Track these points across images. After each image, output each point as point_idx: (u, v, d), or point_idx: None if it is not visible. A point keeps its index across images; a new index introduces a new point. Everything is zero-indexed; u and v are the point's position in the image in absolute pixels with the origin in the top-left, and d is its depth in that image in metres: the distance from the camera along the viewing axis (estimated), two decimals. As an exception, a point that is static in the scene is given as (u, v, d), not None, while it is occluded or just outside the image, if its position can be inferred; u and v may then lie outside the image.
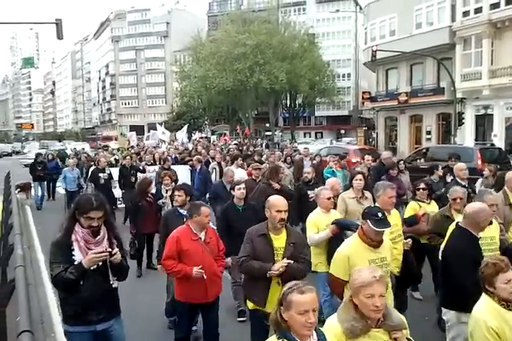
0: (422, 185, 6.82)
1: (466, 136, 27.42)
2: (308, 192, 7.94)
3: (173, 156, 17.30)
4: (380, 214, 4.02)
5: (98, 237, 3.64)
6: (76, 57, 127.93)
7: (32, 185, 16.30)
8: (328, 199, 5.78)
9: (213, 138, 49.30)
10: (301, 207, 7.75)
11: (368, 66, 38.05)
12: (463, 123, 26.50)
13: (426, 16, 30.28)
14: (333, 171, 11.54)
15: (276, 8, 64.85)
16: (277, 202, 4.39)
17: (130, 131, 61.53)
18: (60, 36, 21.01)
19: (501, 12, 25.00)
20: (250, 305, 4.50)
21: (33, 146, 59.54)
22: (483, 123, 27.99)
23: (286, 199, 7.27)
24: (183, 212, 5.69)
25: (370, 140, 43.67)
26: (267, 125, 62.07)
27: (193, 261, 4.68)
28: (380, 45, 28.85)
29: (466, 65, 27.35)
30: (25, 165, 31.55)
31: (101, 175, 12.39)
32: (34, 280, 7.10)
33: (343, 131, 66.82)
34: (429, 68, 31.34)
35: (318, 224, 5.67)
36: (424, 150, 19.23)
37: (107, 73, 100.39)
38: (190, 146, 24.85)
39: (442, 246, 4.60)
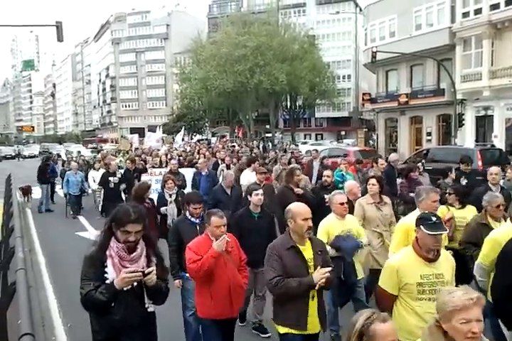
0: (450, 190, 6.34)
1: (466, 137, 27.40)
2: (325, 196, 7.60)
3: (177, 159, 16.85)
4: (434, 218, 3.69)
5: (134, 254, 3.26)
6: (76, 60, 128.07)
7: (33, 188, 16.30)
8: (342, 204, 5.42)
9: (213, 140, 49.36)
10: (317, 213, 7.56)
11: (368, 67, 38.06)
12: (463, 124, 26.48)
13: (426, 17, 30.28)
14: (342, 174, 11.08)
15: (276, 10, 64.92)
16: (302, 210, 4.03)
17: (131, 133, 61.73)
18: (60, 39, 21.04)
19: (501, 13, 24.99)
20: (283, 329, 4.04)
21: (34, 149, 59.62)
22: (484, 124, 27.97)
23: (308, 205, 7.16)
24: (195, 220, 5.38)
25: (371, 141, 43.64)
26: (268, 127, 62.08)
27: (215, 273, 4.34)
28: (379, 47, 28.82)
29: (466, 65, 27.34)
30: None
31: (111, 178, 12.01)
32: (35, 283, 7.12)
33: (343, 133, 66.84)
34: (429, 69, 31.34)
35: (330, 231, 5.38)
36: (425, 152, 19.23)
37: (107, 75, 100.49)
38: (187, 148, 24.86)
39: (496, 252, 4.23)
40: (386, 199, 6.46)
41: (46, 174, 16.00)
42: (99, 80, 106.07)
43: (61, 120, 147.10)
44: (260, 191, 5.82)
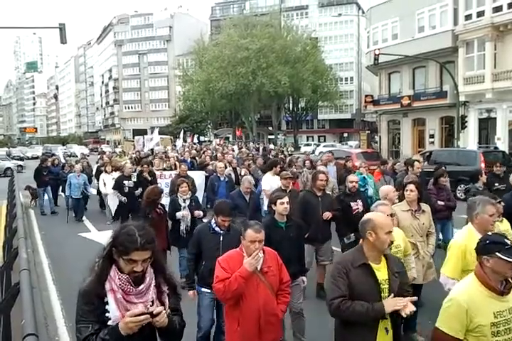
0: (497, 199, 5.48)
1: (469, 140, 27.37)
2: (351, 204, 7.15)
3: (189, 161, 16.42)
4: (507, 241, 2.97)
5: (142, 286, 2.58)
6: (79, 62, 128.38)
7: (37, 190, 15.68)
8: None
9: (216, 141, 49.40)
10: (343, 221, 7.12)
11: (371, 69, 38.06)
12: (466, 126, 26.45)
13: (428, 20, 30.27)
14: (364, 177, 10.43)
15: (279, 12, 65.21)
16: (386, 222, 3.42)
17: (133, 135, 61.79)
18: (63, 41, 21.07)
19: (504, 15, 24.97)
20: None
21: (36, 150, 59.47)
22: (487, 126, 27.93)
23: (333, 211, 6.89)
24: (219, 230, 4.95)
25: (373, 143, 43.63)
26: (270, 129, 62.15)
27: (244, 296, 3.76)
28: (382, 49, 28.82)
29: (468, 68, 27.32)
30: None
31: (126, 182, 11.31)
32: (38, 284, 7.15)
33: (345, 135, 66.89)
34: (431, 72, 31.33)
35: None
36: (428, 154, 19.22)
37: (110, 77, 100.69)
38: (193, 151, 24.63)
39: None
40: (425, 207, 5.94)
41: (42, 176, 15.26)
42: (102, 82, 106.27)
43: (64, 121, 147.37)
44: (286, 199, 5.25)
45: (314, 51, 56.72)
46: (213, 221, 5.04)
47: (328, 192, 8.25)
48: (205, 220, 8.64)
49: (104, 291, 2.56)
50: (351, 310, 3.20)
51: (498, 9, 25.45)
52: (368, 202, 8.21)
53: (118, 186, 11.37)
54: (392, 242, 3.44)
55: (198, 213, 7.63)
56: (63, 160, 18.84)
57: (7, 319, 4.43)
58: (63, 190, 14.86)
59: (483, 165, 15.54)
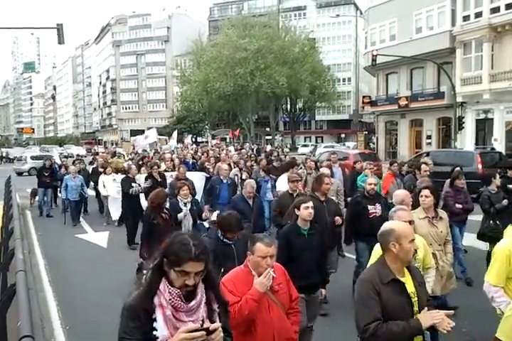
0: None
1: (466, 141, 27.40)
2: (369, 207, 6.78)
3: (191, 162, 15.93)
4: None
5: (193, 303, 2.36)
6: (77, 62, 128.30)
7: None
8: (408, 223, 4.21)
9: (213, 142, 49.36)
10: (355, 225, 6.81)
11: (368, 70, 38.11)
12: (463, 127, 26.49)
13: (426, 21, 30.33)
14: None
15: (277, 13, 65.28)
16: (408, 230, 3.19)
17: (131, 135, 61.73)
18: (61, 41, 21.06)
19: (501, 16, 25.02)
20: None
21: (33, 151, 59.11)
22: (484, 127, 27.98)
23: (334, 216, 6.57)
24: (228, 241, 4.65)
25: (371, 144, 43.68)
26: (268, 129, 62.19)
27: (256, 322, 3.37)
28: (380, 50, 28.87)
29: (466, 69, 27.37)
30: (18, 174, 31.05)
31: (133, 185, 10.98)
32: (34, 285, 7.12)
33: (343, 136, 66.96)
34: (429, 72, 31.38)
35: None
36: (425, 155, 19.23)
37: (107, 78, 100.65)
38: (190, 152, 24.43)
39: None
40: (442, 213, 5.65)
41: (42, 177, 14.95)
42: (100, 82, 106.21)
43: (61, 122, 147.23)
44: (310, 203, 4.92)
45: (312, 52, 56.78)
46: (220, 233, 4.70)
47: (332, 194, 7.99)
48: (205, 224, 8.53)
49: (152, 306, 2.32)
50: (388, 333, 2.91)
51: (495, 10, 25.50)
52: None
53: (125, 188, 10.92)
54: (416, 251, 3.26)
55: (205, 214, 7.73)
56: (59, 162, 18.38)
57: (3, 320, 4.41)
58: (60, 192, 14.67)
59: (480, 166, 15.56)
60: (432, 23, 29.95)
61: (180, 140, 36.90)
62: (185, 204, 7.23)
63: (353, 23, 66.96)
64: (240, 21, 57.55)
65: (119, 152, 25.08)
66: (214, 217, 7.33)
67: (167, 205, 7.08)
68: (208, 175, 12.64)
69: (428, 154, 18.96)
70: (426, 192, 5.54)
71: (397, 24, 32.29)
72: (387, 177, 10.56)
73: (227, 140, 52.46)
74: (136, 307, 2.33)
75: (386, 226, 3.24)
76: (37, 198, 15.36)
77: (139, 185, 11.01)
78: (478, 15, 26.45)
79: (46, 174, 14.94)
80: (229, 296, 3.14)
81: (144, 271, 2.45)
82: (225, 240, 4.62)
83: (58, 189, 15.58)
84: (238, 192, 9.34)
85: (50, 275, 8.23)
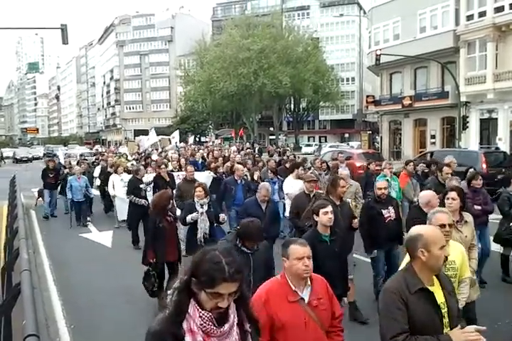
0: None
1: (470, 140, 27.34)
2: (383, 211, 6.43)
3: (200, 162, 15.82)
4: None
5: (226, 326, 2.12)
6: (81, 62, 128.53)
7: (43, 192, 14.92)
8: (443, 226, 3.95)
9: (217, 142, 49.37)
10: (371, 231, 6.44)
11: (372, 70, 38.06)
12: (467, 127, 26.42)
13: (430, 20, 30.26)
14: (387, 180, 9.39)
15: (280, 13, 65.17)
16: (439, 236, 2.93)
17: (134, 135, 61.79)
18: (65, 41, 21.08)
19: (505, 16, 24.94)
20: None
21: (38, 151, 59.30)
22: (488, 127, 27.90)
23: (350, 220, 6.29)
24: (246, 250, 4.36)
25: (376, 144, 43.61)
26: (271, 129, 62.19)
27: (288, 338, 3.03)
28: (384, 49, 28.82)
29: (470, 68, 27.29)
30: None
31: (142, 186, 10.61)
32: (39, 285, 7.15)
33: (347, 135, 66.88)
34: (433, 72, 31.31)
35: None
36: (429, 154, 19.20)
37: (111, 78, 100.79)
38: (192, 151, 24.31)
39: None
40: (467, 217, 5.36)
41: (46, 178, 14.60)
42: (104, 82, 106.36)
43: (65, 122, 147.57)
44: (329, 208, 4.69)
45: (316, 51, 56.72)
46: (238, 241, 4.42)
47: (349, 197, 7.70)
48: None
49: (181, 332, 2.07)
50: None
51: (499, 9, 25.43)
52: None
53: (132, 189, 10.49)
54: (446, 258, 3.04)
55: (223, 217, 7.36)
56: (62, 162, 18.22)
57: (8, 319, 4.43)
58: (61, 193, 14.40)
59: (484, 165, 15.52)
60: (435, 23, 29.87)
61: (184, 139, 36.93)
62: (201, 205, 6.85)
63: (356, 23, 66.83)
64: (243, 21, 57.54)
65: (120, 152, 25.03)
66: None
67: (169, 207, 6.75)
68: (215, 175, 12.43)
69: (432, 154, 18.91)
70: (453, 194, 5.30)
71: (400, 23, 32.22)
72: (403, 177, 10.25)
73: (232, 140, 52.40)
74: (163, 332, 2.07)
75: (413, 230, 2.99)
76: (40, 199, 15.14)
77: (146, 185, 10.72)
78: (482, 14, 26.38)
79: (51, 175, 14.59)
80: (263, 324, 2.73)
81: (168, 292, 2.16)
82: (242, 248, 4.34)
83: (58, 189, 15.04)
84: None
85: (54, 275, 8.25)
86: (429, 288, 2.85)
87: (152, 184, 10.93)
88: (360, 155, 20.10)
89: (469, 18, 27.32)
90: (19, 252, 5.88)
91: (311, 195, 6.99)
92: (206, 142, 46.00)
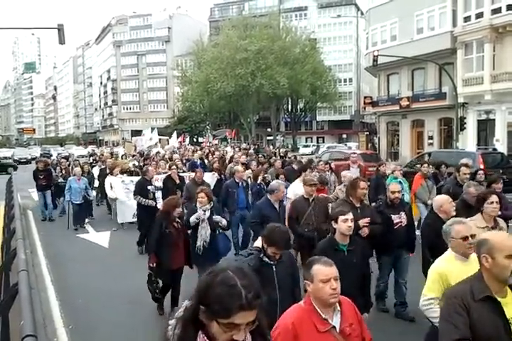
0: None
1: (468, 141, 27.40)
2: (393, 216, 6.03)
3: (198, 162, 15.49)
4: None
5: None
6: (78, 62, 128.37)
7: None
8: (465, 239, 3.65)
9: (214, 142, 49.29)
10: (380, 237, 5.98)
11: (370, 71, 38.12)
12: (465, 128, 26.48)
13: (427, 21, 30.32)
14: (400, 182, 8.99)
15: (278, 14, 65.22)
16: (507, 243, 2.68)
17: (132, 136, 61.72)
18: (61, 41, 21.03)
19: (502, 17, 25.00)
20: None
21: (35, 151, 58.91)
22: (485, 128, 27.96)
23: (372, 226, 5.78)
24: (270, 261, 3.89)
25: (372, 144, 43.64)
26: (269, 130, 62.21)
27: None
28: (381, 50, 28.86)
29: (467, 69, 27.35)
30: None
31: (150, 187, 10.07)
32: (37, 285, 7.12)
33: (344, 136, 66.95)
34: (430, 73, 31.37)
35: (447, 279, 3.50)
36: (427, 155, 19.22)
37: (108, 78, 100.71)
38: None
39: None
40: (501, 222, 5.00)
41: (38, 180, 14.08)
42: (101, 83, 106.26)
43: (62, 122, 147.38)
44: (349, 215, 4.33)
45: (313, 52, 56.72)
46: (260, 250, 4.03)
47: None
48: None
49: None
50: None
51: (496, 11, 25.49)
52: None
53: (140, 191, 9.96)
54: None
55: (223, 223, 6.61)
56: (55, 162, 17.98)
57: (5, 320, 4.41)
58: (55, 195, 14.16)
59: (482, 166, 15.53)
60: (433, 24, 29.93)
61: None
62: (204, 211, 6.49)
63: (354, 24, 66.88)
64: (240, 22, 57.52)
65: (116, 152, 24.91)
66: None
67: (177, 213, 6.37)
68: (219, 177, 12.25)
69: (430, 155, 18.94)
70: (495, 198, 4.87)
71: (398, 25, 32.28)
72: (417, 179, 9.87)
73: (227, 140, 52.38)
74: None
75: (481, 235, 2.84)
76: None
77: (155, 187, 10.25)
78: (479, 15, 26.44)
79: (41, 177, 14.04)
80: None
81: (170, 322, 1.78)
82: (265, 259, 3.89)
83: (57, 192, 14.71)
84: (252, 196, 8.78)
85: (52, 275, 8.22)
86: (499, 298, 2.62)
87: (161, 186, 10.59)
88: (358, 156, 20.07)
89: (466, 19, 27.38)
90: (16, 252, 5.84)
91: (311, 200, 6.77)
92: (202, 142, 45.95)
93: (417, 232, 6.36)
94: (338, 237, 4.35)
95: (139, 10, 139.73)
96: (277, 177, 9.93)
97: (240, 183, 9.51)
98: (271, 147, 39.53)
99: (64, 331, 5.85)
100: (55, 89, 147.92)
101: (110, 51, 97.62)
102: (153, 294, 6.24)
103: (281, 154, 21.46)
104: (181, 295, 6.21)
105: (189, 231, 6.62)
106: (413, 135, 33.99)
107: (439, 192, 8.51)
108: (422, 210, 9.47)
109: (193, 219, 6.45)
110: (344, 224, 4.27)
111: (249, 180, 10.60)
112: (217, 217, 6.62)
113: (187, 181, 10.96)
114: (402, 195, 8.28)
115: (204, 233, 6.41)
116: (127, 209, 11.68)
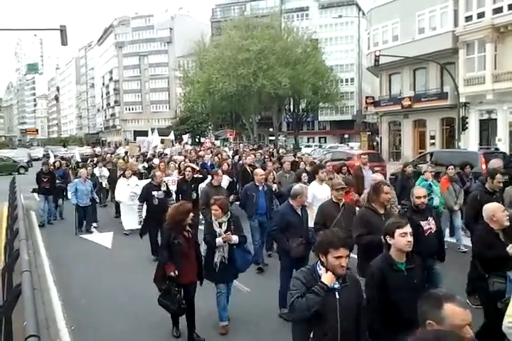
0: None
1: (470, 141, 27.38)
2: (422, 223, 5.49)
3: (209, 163, 15.17)
4: None
5: None
6: (80, 63, 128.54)
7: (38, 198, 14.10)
8: None
9: (217, 143, 49.27)
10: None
11: (371, 71, 38.11)
12: (467, 127, 26.46)
13: (429, 21, 30.30)
14: (430, 185, 8.67)
15: (280, 14, 65.22)
16: None
17: (134, 136, 61.72)
18: (64, 42, 21.07)
19: (504, 17, 24.99)
20: None
21: (37, 151, 58.81)
22: (487, 127, 27.94)
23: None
24: (332, 285, 3.20)
25: (374, 144, 43.62)
26: (271, 130, 62.20)
27: None
28: (383, 50, 28.83)
29: (469, 69, 27.34)
30: None
31: (155, 193, 9.49)
32: (39, 285, 7.16)
33: (346, 136, 66.89)
34: (432, 73, 31.36)
35: None
36: (429, 155, 19.21)
37: (110, 79, 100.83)
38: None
39: None
40: None
41: (40, 183, 13.60)
42: (103, 83, 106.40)
43: (65, 123, 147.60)
44: (407, 228, 3.71)
45: (315, 53, 56.68)
46: (318, 265, 3.28)
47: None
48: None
49: None
50: None
51: (498, 10, 25.47)
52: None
53: (145, 196, 9.54)
54: None
55: (234, 239, 5.75)
56: (78, 159, 17.73)
57: (9, 320, 4.44)
58: (54, 197, 13.79)
59: (484, 166, 15.52)
60: (434, 24, 29.92)
61: (179, 140, 36.62)
62: (219, 224, 5.76)
63: (355, 24, 66.85)
64: (242, 22, 57.52)
65: (118, 153, 24.80)
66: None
67: (189, 221, 5.65)
68: (230, 179, 11.96)
69: (432, 154, 18.93)
70: None
71: (399, 25, 32.28)
72: (443, 183, 9.31)
73: (231, 140, 52.37)
74: None
75: None
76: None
77: (163, 192, 9.65)
78: (481, 15, 26.42)
79: (45, 179, 13.58)
80: None
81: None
82: (322, 283, 3.15)
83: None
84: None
85: (54, 276, 8.26)
86: None
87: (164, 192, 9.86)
88: (360, 156, 20.08)
89: (468, 19, 27.36)
90: (19, 253, 5.88)
91: (340, 205, 6.25)
92: (203, 143, 45.92)
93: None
94: (394, 254, 3.71)
95: (140, 11, 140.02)
96: (299, 180, 9.25)
97: (261, 187, 8.66)
98: (272, 146, 39.49)
99: (67, 331, 5.89)
100: (58, 90, 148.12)
101: (112, 52, 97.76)
102: (175, 308, 5.38)
103: (280, 155, 21.01)
104: (199, 314, 5.73)
105: (203, 248, 5.91)
106: (415, 135, 33.97)
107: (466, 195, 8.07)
108: (445, 216, 9.11)
109: (219, 243, 5.68)
110: (403, 239, 3.65)
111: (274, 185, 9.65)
112: (233, 237, 5.76)
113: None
114: (431, 198, 7.99)
115: (222, 249, 5.72)
116: (133, 214, 11.19)
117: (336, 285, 3.17)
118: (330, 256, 3.13)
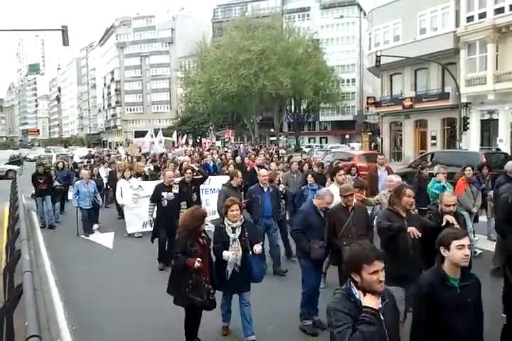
0: None
1: (471, 141, 27.35)
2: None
3: (211, 164, 15.25)
4: None
5: None
6: (81, 64, 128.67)
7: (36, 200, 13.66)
8: None
9: (218, 143, 49.32)
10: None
11: (373, 71, 38.09)
12: (468, 128, 26.44)
13: (430, 21, 30.28)
14: (444, 186, 8.44)
15: (281, 14, 65.25)
16: None
17: (135, 136, 61.80)
18: (65, 43, 21.13)
19: (506, 17, 24.97)
20: None
21: (38, 152, 58.94)
22: (489, 128, 27.92)
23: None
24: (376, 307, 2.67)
25: (375, 145, 43.61)
26: (272, 130, 62.23)
27: None
28: (384, 51, 28.83)
29: (470, 69, 27.32)
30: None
31: (164, 194, 9.01)
32: (41, 286, 7.15)
33: (347, 136, 66.91)
34: (433, 73, 31.34)
35: None
36: (430, 156, 19.21)
37: (112, 79, 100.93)
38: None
39: None
40: None
41: (37, 184, 13.19)
42: (104, 84, 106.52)
43: (66, 123, 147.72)
44: (466, 240, 3.27)
45: (316, 53, 56.74)
46: (352, 287, 2.78)
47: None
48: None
49: None
50: None
51: (499, 11, 25.46)
52: None
53: (155, 198, 9.15)
54: None
55: (259, 249, 5.33)
56: (78, 160, 17.68)
57: (10, 320, 4.44)
58: (52, 198, 13.34)
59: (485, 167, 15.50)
60: (435, 24, 29.90)
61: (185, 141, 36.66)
62: (233, 229, 5.36)
63: (356, 24, 66.90)
64: (243, 23, 57.58)
65: (120, 153, 24.79)
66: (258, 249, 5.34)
67: (204, 227, 5.26)
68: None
69: (433, 155, 18.92)
70: None
71: (401, 25, 32.27)
72: (461, 185, 9.00)
73: (232, 141, 52.39)
74: None
75: None
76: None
77: (173, 194, 9.14)
78: (482, 15, 26.41)
79: (41, 181, 13.11)
80: None
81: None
82: (356, 295, 2.74)
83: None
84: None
85: (56, 276, 8.26)
86: None
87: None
88: (362, 156, 20.11)
89: (469, 19, 27.35)
90: (21, 253, 5.87)
91: (350, 209, 5.97)
92: (204, 143, 45.93)
93: None
94: (447, 269, 3.27)
95: (142, 11, 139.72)
96: (306, 182, 9.15)
97: (265, 188, 8.29)
98: (273, 146, 39.50)
99: (68, 332, 5.89)
100: (59, 90, 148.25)
101: (114, 52, 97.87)
102: (204, 300, 4.98)
103: (280, 155, 20.85)
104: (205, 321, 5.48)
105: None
106: (416, 135, 33.95)
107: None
108: (466, 219, 9.03)
109: (225, 256, 5.27)
110: (459, 252, 3.20)
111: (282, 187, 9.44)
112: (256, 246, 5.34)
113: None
114: (435, 195, 7.72)
115: (235, 256, 5.26)
116: (136, 217, 11.13)
117: (380, 305, 2.71)
118: (364, 272, 2.68)
